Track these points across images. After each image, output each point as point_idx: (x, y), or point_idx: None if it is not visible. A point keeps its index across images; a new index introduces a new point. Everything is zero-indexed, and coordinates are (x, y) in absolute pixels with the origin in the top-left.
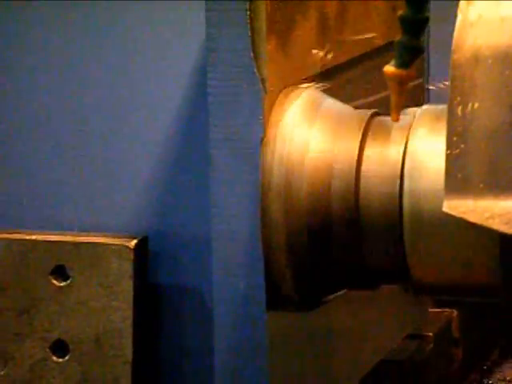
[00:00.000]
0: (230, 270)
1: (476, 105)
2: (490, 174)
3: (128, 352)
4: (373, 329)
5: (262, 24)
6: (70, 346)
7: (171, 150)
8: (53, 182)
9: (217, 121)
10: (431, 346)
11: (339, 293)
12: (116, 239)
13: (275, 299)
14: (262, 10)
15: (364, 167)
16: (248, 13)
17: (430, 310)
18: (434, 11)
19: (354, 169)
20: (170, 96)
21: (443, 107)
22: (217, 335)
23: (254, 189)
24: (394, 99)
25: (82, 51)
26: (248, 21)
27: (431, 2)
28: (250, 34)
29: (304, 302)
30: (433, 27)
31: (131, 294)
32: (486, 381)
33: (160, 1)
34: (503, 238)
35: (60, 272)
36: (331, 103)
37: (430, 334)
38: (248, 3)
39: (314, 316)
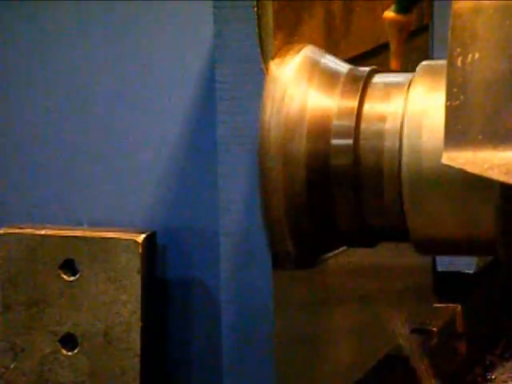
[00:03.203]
0: (238, 264)
1: (476, 55)
2: (489, 125)
3: (136, 345)
4: (377, 324)
5: (270, 21)
6: (79, 340)
7: (180, 145)
8: (62, 177)
9: (225, 116)
10: (435, 340)
11: (339, 250)
12: (124, 234)
13: (275, 258)
14: (270, 7)
15: (363, 124)
16: (255, 10)
17: (435, 305)
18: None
19: (354, 125)
20: (179, 92)
21: (443, 63)
22: (224, 328)
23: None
24: (393, 46)
25: (94, 48)
26: (255, 18)
27: (435, 1)
28: (257, 30)
29: (303, 260)
30: (437, 25)
31: (139, 287)
32: (489, 375)
33: (169, 0)
34: (503, 188)
35: (69, 266)
36: (330, 60)
37: (435, 328)
38: (256, 0)
39: (319, 311)
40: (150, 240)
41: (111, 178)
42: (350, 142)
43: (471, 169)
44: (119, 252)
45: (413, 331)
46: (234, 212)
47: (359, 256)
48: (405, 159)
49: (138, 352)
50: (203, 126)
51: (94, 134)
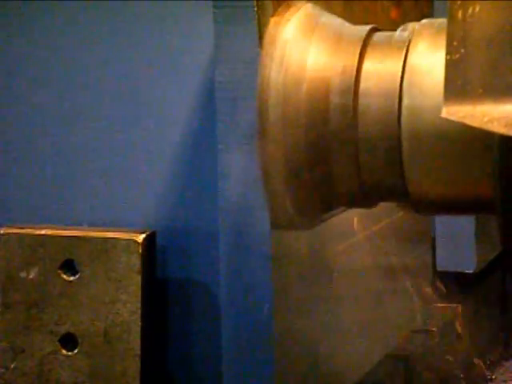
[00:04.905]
0: (238, 264)
1: (477, 8)
2: (489, 79)
3: (136, 345)
4: (378, 324)
5: (269, 21)
6: (79, 340)
7: (179, 145)
8: (62, 177)
9: (225, 116)
10: (435, 340)
11: (338, 211)
12: (124, 234)
13: (275, 218)
14: (269, 7)
15: (362, 83)
16: (255, 10)
17: (435, 305)
18: None
19: (353, 84)
20: (179, 92)
21: (443, 21)
22: (224, 328)
23: (262, 183)
24: None
25: (94, 47)
26: (255, 18)
27: (434, 1)
28: (257, 30)
29: (303, 220)
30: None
31: (139, 287)
32: (489, 375)
33: (168, 0)
34: (502, 142)
35: (69, 266)
36: (329, 18)
37: (435, 329)
38: (256, 0)
39: (319, 311)
40: (150, 240)
41: (111, 178)
42: (350, 101)
43: (471, 122)
44: (119, 252)
45: (413, 331)
46: (234, 212)
47: (359, 256)
48: (404, 118)
49: (138, 352)
50: (203, 125)
51: (93, 134)
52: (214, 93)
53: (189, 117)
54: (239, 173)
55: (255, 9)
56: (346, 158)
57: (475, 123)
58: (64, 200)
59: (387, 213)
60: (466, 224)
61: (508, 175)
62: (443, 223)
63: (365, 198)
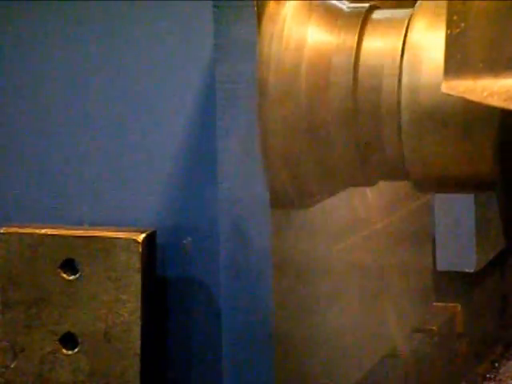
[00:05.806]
0: (238, 264)
1: None
2: (489, 53)
3: (136, 345)
4: (378, 324)
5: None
6: (79, 339)
7: (180, 145)
8: (63, 176)
9: (224, 115)
10: (435, 340)
11: (339, 190)
12: (124, 233)
13: (275, 199)
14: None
15: (362, 60)
16: (255, 10)
17: (434, 304)
18: None
19: (353, 62)
20: (178, 93)
21: None
22: (224, 328)
23: (262, 182)
24: None
25: (95, 47)
26: (255, 18)
27: None
28: (257, 30)
29: (302, 199)
30: None
31: (139, 287)
32: (489, 375)
33: (168, 0)
34: (503, 116)
35: (69, 266)
36: None
37: (434, 328)
38: (255, 0)
39: (319, 311)
40: (150, 239)
41: (111, 178)
42: (349, 78)
43: (471, 96)
44: (119, 251)
45: (413, 331)
46: (234, 212)
47: (359, 256)
48: (404, 96)
49: (138, 352)
50: (203, 125)
51: (93, 134)
52: (214, 92)
53: (189, 116)
54: (239, 172)
55: (255, 9)
56: (345, 134)
57: (475, 98)
58: (64, 199)
59: (387, 213)
60: (466, 224)
61: (508, 150)
62: (443, 223)
63: (364, 175)
